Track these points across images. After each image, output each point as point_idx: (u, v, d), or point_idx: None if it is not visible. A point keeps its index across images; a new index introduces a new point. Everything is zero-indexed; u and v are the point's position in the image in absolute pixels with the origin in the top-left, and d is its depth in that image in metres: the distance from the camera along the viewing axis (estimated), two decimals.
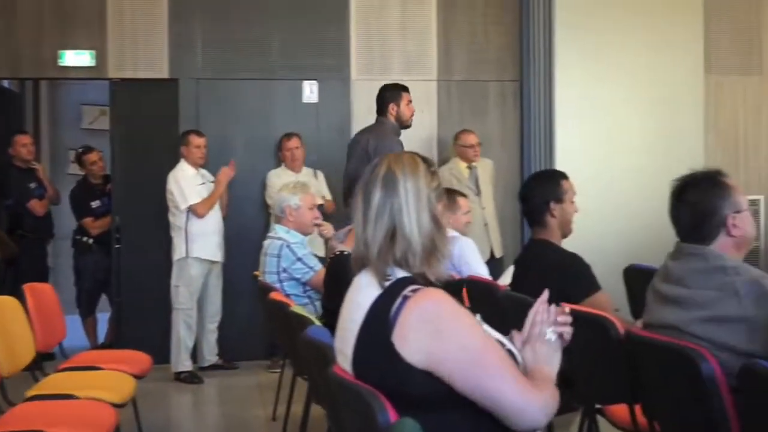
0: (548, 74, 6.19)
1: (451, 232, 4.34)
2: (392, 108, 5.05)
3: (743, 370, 1.94)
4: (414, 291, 1.76)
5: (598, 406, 2.95)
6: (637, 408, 2.58)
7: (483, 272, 4.15)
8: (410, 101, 5.11)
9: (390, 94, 5.09)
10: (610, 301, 3.23)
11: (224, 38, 6.23)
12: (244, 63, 6.25)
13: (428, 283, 1.82)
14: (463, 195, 4.57)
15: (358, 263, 1.88)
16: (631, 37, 6.11)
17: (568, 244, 5.31)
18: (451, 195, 4.40)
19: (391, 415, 1.65)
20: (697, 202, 2.40)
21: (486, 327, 1.89)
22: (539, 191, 3.43)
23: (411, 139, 6.33)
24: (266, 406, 4.84)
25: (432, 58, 6.47)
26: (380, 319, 1.76)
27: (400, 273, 1.81)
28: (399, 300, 1.75)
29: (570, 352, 2.94)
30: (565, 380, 3.05)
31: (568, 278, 3.23)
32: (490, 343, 1.75)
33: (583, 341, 2.84)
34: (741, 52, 6.71)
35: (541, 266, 3.34)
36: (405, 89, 5.14)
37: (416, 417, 1.64)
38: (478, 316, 1.90)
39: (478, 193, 6.06)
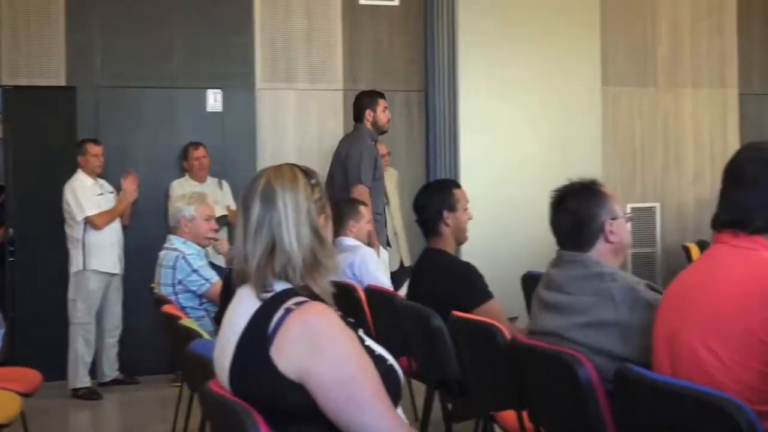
0: (452, 86, 6.28)
1: (354, 242, 4.35)
2: (369, 114, 5.18)
3: (617, 375, 1.99)
4: (298, 304, 1.74)
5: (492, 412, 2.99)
6: (526, 414, 2.62)
7: (384, 282, 4.16)
8: (386, 107, 5.26)
9: (367, 101, 5.23)
10: (501, 308, 3.30)
11: (125, 45, 6.08)
12: (145, 71, 6.11)
13: (313, 297, 1.80)
14: (365, 204, 4.58)
15: (239, 278, 1.86)
16: (531, 52, 6.26)
17: (473, 252, 5.44)
18: (353, 204, 4.42)
19: (264, 431, 1.62)
20: (576, 210, 2.47)
21: (369, 342, 1.88)
22: (432, 201, 3.49)
23: (318, 149, 6.36)
24: (167, 421, 4.72)
25: (337, 67, 6.48)
26: (259, 331, 1.73)
27: (281, 286, 1.80)
28: (281, 312, 1.73)
29: (463, 360, 3.01)
30: (460, 387, 3.11)
31: (462, 287, 3.28)
32: (367, 367, 1.73)
33: (474, 349, 2.90)
34: (637, 64, 6.96)
35: (436, 275, 3.38)
36: (381, 96, 5.29)
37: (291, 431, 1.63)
38: (360, 331, 1.89)
39: (387, 202, 6.08)
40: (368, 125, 5.19)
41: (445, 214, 3.46)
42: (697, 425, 1.75)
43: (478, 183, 6.16)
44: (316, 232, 1.83)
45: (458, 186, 3.58)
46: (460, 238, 3.55)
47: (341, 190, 4.98)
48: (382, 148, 6.19)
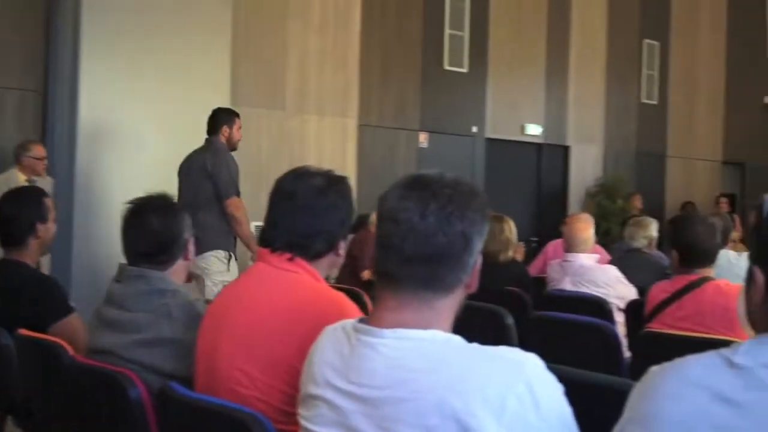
0: (74, 91, 5.95)
1: None
2: (225, 130, 5.28)
3: (159, 394, 1.98)
4: None
5: None
6: None
7: None
8: (240, 127, 5.39)
9: (225, 117, 5.34)
10: (84, 324, 3.15)
11: None
12: None
13: None
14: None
15: None
16: (160, 67, 6.15)
17: (91, 264, 5.18)
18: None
19: None
20: (164, 228, 2.43)
21: None
22: (24, 212, 3.23)
23: None
24: None
25: None
26: None
27: None
28: None
29: (29, 381, 2.81)
30: (27, 412, 2.89)
31: (40, 301, 3.06)
32: None
33: (38, 369, 2.71)
34: (267, 88, 7.19)
35: (12, 288, 3.12)
36: (238, 115, 5.41)
37: None
38: None
39: None
40: (222, 140, 5.25)
41: (38, 226, 3.22)
42: None
43: (96, 193, 5.91)
44: None
45: (47, 195, 3.36)
46: (46, 249, 3.34)
47: (207, 203, 5.07)
48: (42, 150, 5.69)
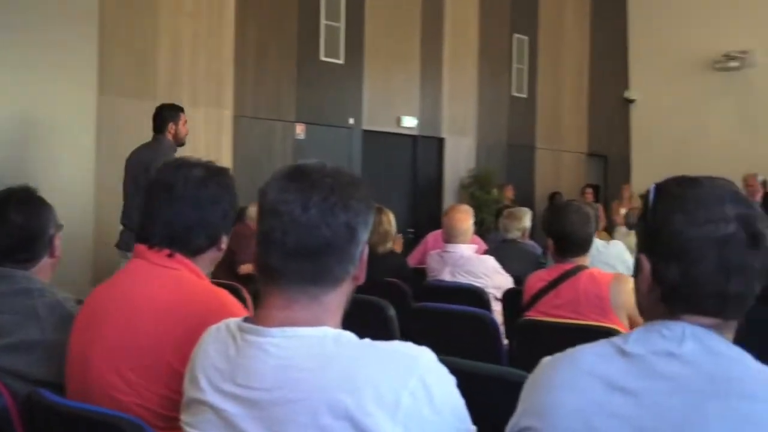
0: None
1: None
2: (171, 126, 5.25)
3: (26, 401, 1.84)
4: None
5: None
6: None
7: None
8: (186, 121, 5.35)
9: (169, 114, 5.28)
10: None
11: None
12: None
13: None
14: None
15: None
16: (21, 54, 5.80)
17: None
18: None
19: None
20: (26, 223, 2.27)
21: None
22: None
23: None
24: None
25: None
26: None
27: None
28: None
29: None
30: None
31: None
32: None
33: None
34: (136, 76, 6.90)
35: None
36: (182, 110, 5.37)
37: None
38: None
39: None
40: (169, 137, 5.24)
41: None
42: None
43: None
44: None
45: None
46: None
47: None
48: None
